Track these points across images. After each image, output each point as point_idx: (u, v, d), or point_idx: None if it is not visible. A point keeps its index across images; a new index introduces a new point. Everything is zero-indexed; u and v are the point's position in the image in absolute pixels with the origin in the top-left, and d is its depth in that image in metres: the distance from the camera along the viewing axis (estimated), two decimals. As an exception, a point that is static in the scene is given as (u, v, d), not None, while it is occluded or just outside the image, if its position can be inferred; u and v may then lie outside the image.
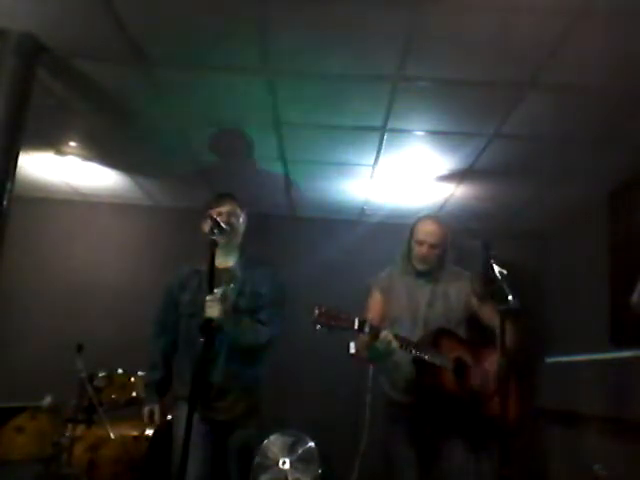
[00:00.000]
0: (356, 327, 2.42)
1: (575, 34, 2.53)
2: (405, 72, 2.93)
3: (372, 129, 3.64)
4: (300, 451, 4.64)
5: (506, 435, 2.36)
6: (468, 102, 3.24)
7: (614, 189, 4.20)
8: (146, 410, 2.78)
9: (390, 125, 3.55)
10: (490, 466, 2.55)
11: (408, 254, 2.92)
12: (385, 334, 2.45)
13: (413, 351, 2.55)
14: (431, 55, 2.79)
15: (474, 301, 2.86)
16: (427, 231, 2.86)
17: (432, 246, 2.83)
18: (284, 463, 4.57)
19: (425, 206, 5.05)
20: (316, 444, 4.66)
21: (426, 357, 2.56)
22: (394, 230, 5.37)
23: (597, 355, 3.81)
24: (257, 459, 4.38)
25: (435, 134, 3.68)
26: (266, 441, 4.54)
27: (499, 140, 3.65)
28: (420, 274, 2.88)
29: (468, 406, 2.62)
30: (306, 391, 5.05)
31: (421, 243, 2.84)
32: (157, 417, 2.77)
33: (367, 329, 2.44)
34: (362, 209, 5.30)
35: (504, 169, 4.15)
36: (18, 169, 2.85)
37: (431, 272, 2.87)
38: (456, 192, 4.66)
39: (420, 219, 2.94)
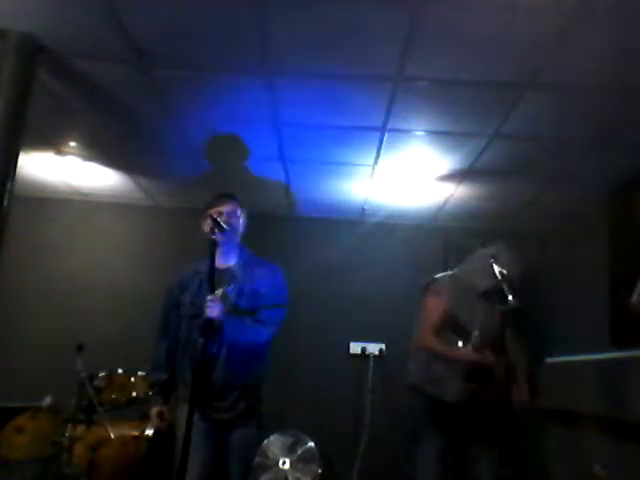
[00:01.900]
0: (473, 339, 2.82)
1: (575, 34, 2.53)
2: (405, 72, 2.93)
3: (372, 129, 3.64)
4: (300, 451, 4.64)
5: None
6: (468, 102, 3.23)
7: (614, 189, 4.20)
8: (154, 411, 2.77)
9: (390, 125, 3.55)
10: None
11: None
12: (488, 352, 2.80)
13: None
14: (431, 55, 2.79)
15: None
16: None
17: None
18: (284, 463, 4.57)
19: (425, 206, 5.06)
20: (316, 444, 4.66)
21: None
22: (394, 230, 5.44)
23: (597, 355, 3.81)
24: (257, 459, 4.38)
25: (435, 134, 3.68)
26: (266, 441, 4.54)
27: (499, 140, 3.65)
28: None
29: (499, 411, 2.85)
30: (306, 391, 5.05)
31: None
32: (167, 416, 2.75)
33: (478, 343, 2.83)
34: (362, 209, 5.30)
35: (504, 169, 4.15)
36: (18, 169, 2.85)
37: None
38: (456, 192, 4.66)
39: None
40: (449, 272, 3.21)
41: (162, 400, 2.78)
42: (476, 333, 2.75)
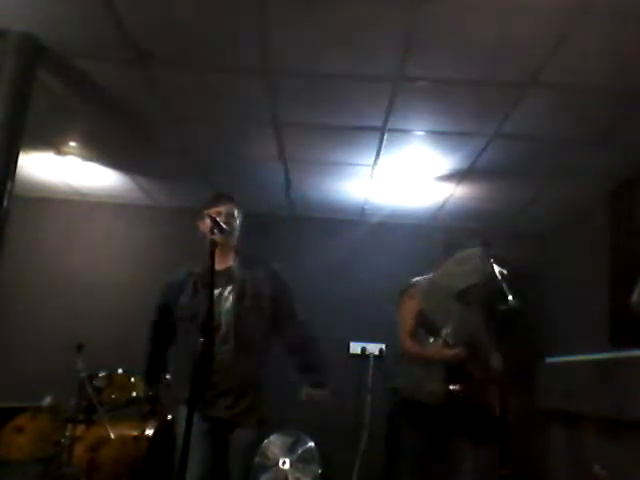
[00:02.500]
0: (443, 337, 2.81)
1: (575, 34, 2.53)
2: (405, 72, 2.93)
3: (372, 129, 3.64)
4: (300, 451, 4.64)
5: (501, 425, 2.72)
6: (468, 102, 3.24)
7: (614, 189, 4.20)
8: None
9: (390, 125, 3.55)
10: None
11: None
12: (461, 349, 2.82)
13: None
14: (431, 55, 2.79)
15: None
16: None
17: None
18: (284, 463, 4.57)
19: (425, 206, 5.06)
20: (316, 444, 4.66)
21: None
22: (394, 230, 5.44)
23: (597, 355, 3.81)
24: (257, 459, 4.38)
25: (435, 134, 3.68)
26: (266, 441, 4.54)
27: (499, 140, 3.65)
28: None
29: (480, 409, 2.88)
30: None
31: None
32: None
33: (450, 342, 2.80)
34: (362, 209, 5.30)
35: (504, 169, 4.15)
36: (18, 169, 2.85)
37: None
38: (456, 192, 4.66)
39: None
40: (426, 276, 3.26)
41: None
42: (447, 330, 2.78)
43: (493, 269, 2.64)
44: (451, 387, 2.93)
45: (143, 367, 2.89)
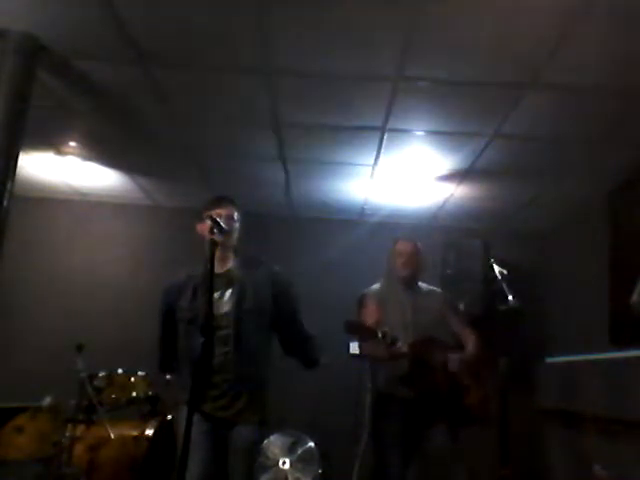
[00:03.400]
0: (380, 336, 2.92)
1: (575, 34, 2.53)
2: (405, 72, 2.93)
3: (372, 129, 3.64)
4: (300, 451, 4.64)
5: (479, 422, 3.13)
6: (468, 102, 3.24)
7: (614, 189, 4.20)
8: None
9: (390, 125, 3.55)
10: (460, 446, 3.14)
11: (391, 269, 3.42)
12: (401, 344, 2.94)
13: (415, 354, 3.03)
14: (431, 55, 2.79)
15: (447, 312, 3.37)
16: (404, 244, 3.40)
17: (411, 255, 3.34)
18: (284, 463, 4.57)
19: (425, 206, 5.06)
20: (316, 444, 4.65)
21: (422, 360, 3.08)
22: (394, 230, 5.40)
23: (597, 355, 3.80)
24: (257, 459, 4.38)
25: (435, 134, 3.68)
26: (266, 441, 4.53)
27: (499, 140, 3.65)
28: (404, 283, 3.34)
29: (450, 397, 3.12)
30: (306, 391, 5.04)
31: (401, 254, 3.34)
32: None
33: (388, 339, 2.92)
34: (362, 209, 5.30)
35: (504, 169, 4.15)
36: (18, 169, 2.85)
37: (412, 282, 3.35)
38: (456, 192, 4.66)
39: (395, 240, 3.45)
40: (379, 282, 3.47)
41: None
42: (384, 329, 2.92)
43: (493, 269, 2.65)
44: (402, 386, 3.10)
45: (157, 355, 2.88)
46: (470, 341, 3.28)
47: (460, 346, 3.25)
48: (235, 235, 2.73)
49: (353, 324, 3.03)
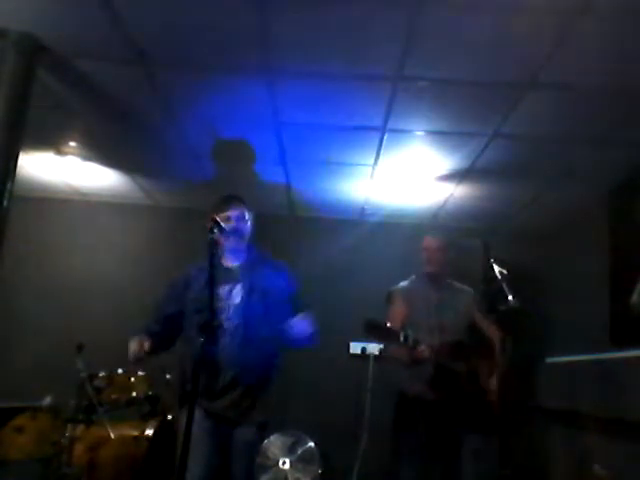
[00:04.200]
0: (402, 339, 2.86)
1: (575, 34, 2.53)
2: (405, 72, 2.93)
3: (372, 129, 3.64)
4: (300, 451, 4.64)
5: (502, 425, 3.01)
6: (468, 102, 3.24)
7: (614, 189, 4.20)
8: (133, 344, 2.72)
9: (390, 125, 3.55)
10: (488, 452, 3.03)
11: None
12: (424, 347, 2.88)
13: (439, 359, 2.99)
14: (431, 55, 2.79)
15: (476, 312, 3.32)
16: (429, 239, 3.35)
17: (434, 251, 3.29)
18: (284, 463, 4.57)
19: (425, 206, 5.06)
20: (316, 444, 4.65)
21: (447, 364, 3.03)
22: (394, 230, 5.44)
23: (597, 355, 3.81)
24: (257, 459, 4.38)
25: (435, 134, 3.68)
26: (266, 441, 4.53)
27: (499, 140, 3.65)
28: (431, 280, 3.30)
29: (475, 403, 3.03)
30: (306, 391, 5.04)
31: (425, 250, 3.30)
32: (147, 345, 2.66)
33: (410, 342, 2.87)
34: (362, 209, 5.30)
35: (504, 169, 4.15)
36: (18, 169, 2.85)
37: (439, 279, 3.30)
38: (456, 192, 4.66)
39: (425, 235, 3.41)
40: (410, 278, 3.41)
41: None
42: (406, 332, 2.87)
43: (493, 269, 2.65)
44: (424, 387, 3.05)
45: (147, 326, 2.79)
46: (498, 343, 3.22)
47: (487, 347, 3.21)
48: (247, 234, 2.77)
49: (372, 324, 2.90)
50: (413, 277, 3.42)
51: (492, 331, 3.27)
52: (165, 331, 2.77)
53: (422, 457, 3.05)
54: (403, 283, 3.40)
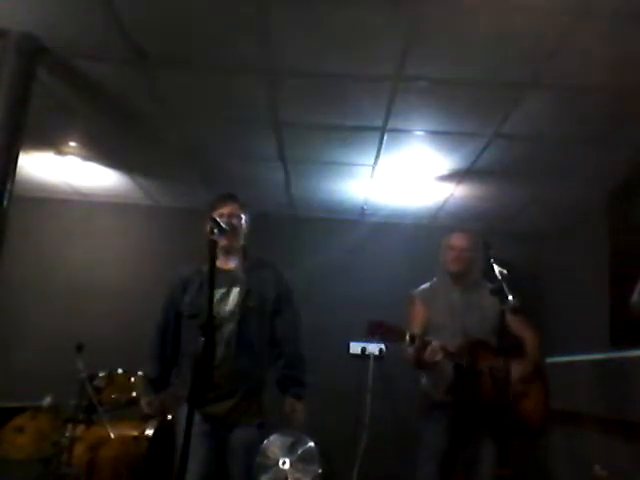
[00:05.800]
0: (408, 340, 2.77)
1: (575, 34, 2.53)
2: (405, 72, 2.93)
3: (372, 129, 3.64)
4: (300, 451, 4.64)
5: (532, 434, 3.05)
6: (468, 102, 3.23)
7: (614, 189, 4.20)
8: (144, 402, 2.80)
9: (390, 125, 3.55)
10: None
11: (443, 264, 3.24)
12: (432, 347, 2.77)
13: (455, 360, 2.89)
14: (431, 55, 2.79)
15: (508, 315, 3.09)
16: (457, 237, 3.23)
17: (462, 250, 3.17)
18: (284, 463, 4.56)
19: (425, 206, 5.06)
20: (316, 444, 4.65)
21: (465, 366, 2.90)
22: (394, 230, 5.45)
23: (597, 355, 3.81)
24: (257, 459, 4.38)
25: (435, 134, 3.68)
26: (266, 441, 4.53)
27: (499, 140, 3.65)
28: (455, 280, 3.19)
29: (499, 408, 2.78)
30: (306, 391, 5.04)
31: (452, 248, 3.18)
32: (156, 405, 2.77)
33: (418, 343, 2.78)
34: (362, 209, 5.30)
35: (504, 169, 4.15)
36: (18, 169, 2.85)
37: (464, 279, 3.18)
38: (456, 192, 4.66)
39: (452, 233, 3.28)
40: (432, 280, 3.31)
41: (152, 393, 2.79)
42: (412, 332, 2.79)
43: (493, 269, 2.64)
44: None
45: (149, 371, 2.83)
46: (531, 345, 3.10)
47: (519, 349, 3.06)
48: (241, 233, 2.75)
49: (375, 325, 2.81)
50: (434, 279, 3.30)
51: (528, 337, 3.13)
52: (164, 374, 2.80)
53: (442, 461, 2.98)
54: (424, 285, 3.28)
